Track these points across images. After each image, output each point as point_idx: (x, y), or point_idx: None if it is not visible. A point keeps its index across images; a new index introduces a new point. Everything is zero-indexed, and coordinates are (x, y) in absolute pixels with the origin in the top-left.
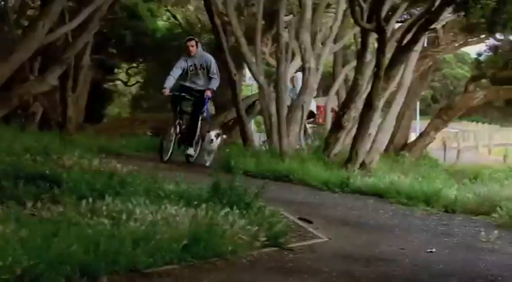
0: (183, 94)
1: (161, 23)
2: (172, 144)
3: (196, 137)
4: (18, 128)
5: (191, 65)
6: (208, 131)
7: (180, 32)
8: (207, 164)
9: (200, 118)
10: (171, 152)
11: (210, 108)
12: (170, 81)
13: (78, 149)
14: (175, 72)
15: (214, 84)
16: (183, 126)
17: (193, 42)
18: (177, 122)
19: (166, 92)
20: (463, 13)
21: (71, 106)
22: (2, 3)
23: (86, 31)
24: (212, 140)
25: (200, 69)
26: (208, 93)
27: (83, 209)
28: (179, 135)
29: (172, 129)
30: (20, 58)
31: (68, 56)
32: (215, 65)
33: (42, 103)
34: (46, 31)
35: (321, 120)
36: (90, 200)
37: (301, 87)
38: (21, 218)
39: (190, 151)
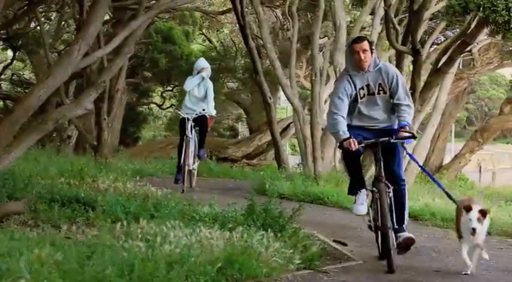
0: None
1: (196, 46)
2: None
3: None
4: (53, 151)
5: (362, 87)
6: (468, 209)
7: (215, 56)
8: (468, 271)
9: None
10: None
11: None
12: (343, 125)
13: (112, 172)
14: (342, 107)
15: (410, 117)
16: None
17: (366, 44)
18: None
19: (354, 145)
20: (499, 36)
21: (105, 129)
22: (38, 27)
23: (121, 55)
24: (474, 229)
25: (378, 93)
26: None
27: (118, 232)
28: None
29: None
30: (56, 82)
31: (103, 80)
32: (402, 80)
33: (77, 126)
34: (81, 55)
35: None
36: (125, 223)
37: None
38: (56, 241)
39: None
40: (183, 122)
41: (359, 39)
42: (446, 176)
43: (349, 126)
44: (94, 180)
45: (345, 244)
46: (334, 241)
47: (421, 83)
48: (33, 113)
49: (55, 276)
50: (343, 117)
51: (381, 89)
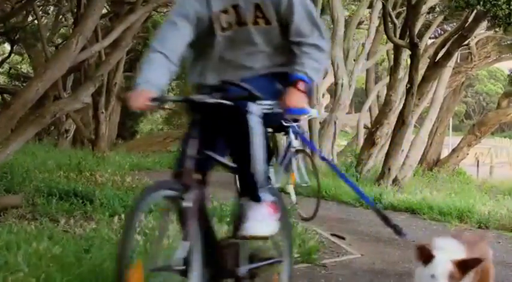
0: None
1: None
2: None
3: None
4: (51, 145)
5: (224, 10)
6: (428, 258)
7: None
8: None
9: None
10: None
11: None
12: (152, 68)
13: (110, 166)
14: (171, 38)
15: (315, 66)
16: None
17: None
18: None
19: (143, 97)
20: (498, 29)
21: (103, 123)
22: (36, 21)
23: (119, 48)
24: None
25: (256, 22)
26: (296, 97)
27: (116, 225)
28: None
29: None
30: (53, 76)
31: (101, 74)
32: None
33: (75, 120)
34: (79, 49)
35: None
36: (123, 216)
37: (334, 104)
38: (54, 235)
39: None
40: None
41: None
42: (444, 170)
43: (200, 87)
44: (92, 173)
45: (342, 238)
46: (332, 235)
47: (419, 77)
48: (31, 106)
49: (53, 270)
50: (165, 56)
51: (260, 15)
